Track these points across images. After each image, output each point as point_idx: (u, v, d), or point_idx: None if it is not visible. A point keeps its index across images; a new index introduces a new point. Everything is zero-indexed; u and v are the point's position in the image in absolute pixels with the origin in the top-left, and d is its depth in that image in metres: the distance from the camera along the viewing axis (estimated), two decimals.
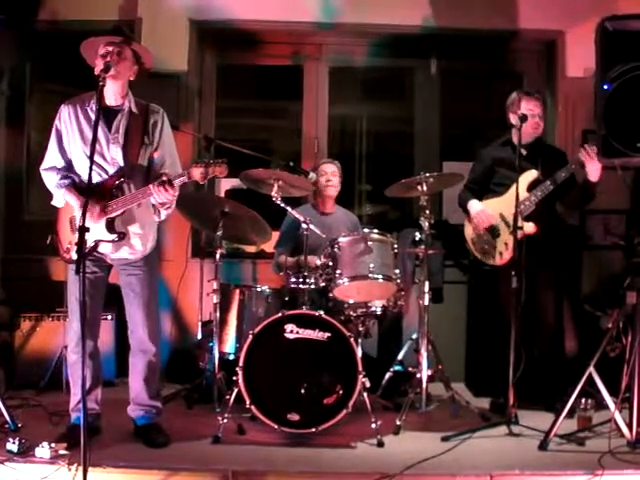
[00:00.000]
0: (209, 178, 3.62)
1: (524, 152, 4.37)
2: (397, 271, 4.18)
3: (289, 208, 4.31)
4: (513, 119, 4.51)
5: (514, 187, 4.18)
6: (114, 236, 3.59)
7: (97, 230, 3.55)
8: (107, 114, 3.63)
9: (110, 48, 3.56)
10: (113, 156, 3.62)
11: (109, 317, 4.90)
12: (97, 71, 3.43)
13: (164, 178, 3.52)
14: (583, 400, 3.99)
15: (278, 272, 4.86)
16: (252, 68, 6.16)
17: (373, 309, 4.30)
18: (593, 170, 4.19)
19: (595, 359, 3.72)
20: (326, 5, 5.60)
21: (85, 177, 3.41)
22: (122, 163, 3.62)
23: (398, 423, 4.03)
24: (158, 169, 3.72)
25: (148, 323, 3.75)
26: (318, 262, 4.28)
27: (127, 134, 3.65)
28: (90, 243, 3.56)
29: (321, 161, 5.11)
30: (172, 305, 5.40)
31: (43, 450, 3.33)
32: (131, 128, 3.66)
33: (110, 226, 3.59)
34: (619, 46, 3.42)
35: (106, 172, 3.62)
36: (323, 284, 4.13)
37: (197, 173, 3.54)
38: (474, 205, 4.58)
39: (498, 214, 4.47)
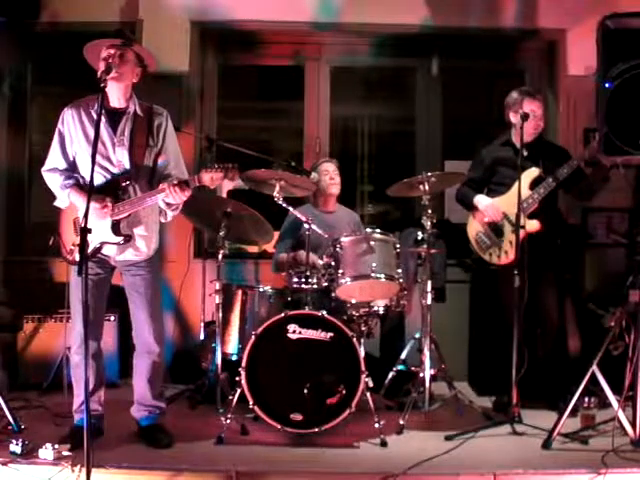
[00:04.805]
0: (220, 183, 3.63)
1: (525, 152, 4.36)
2: (399, 270, 4.17)
3: (291, 208, 4.31)
4: (514, 118, 4.50)
5: (516, 186, 4.18)
6: (120, 239, 3.60)
7: (102, 232, 3.56)
8: (112, 117, 3.64)
9: (112, 51, 3.56)
10: (119, 158, 3.63)
11: (112, 318, 4.90)
12: (99, 73, 3.43)
13: (174, 180, 3.54)
14: (586, 399, 4.00)
15: (276, 271, 4.86)
16: (253, 69, 6.16)
17: (376, 309, 4.29)
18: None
19: (598, 358, 3.72)
20: (326, 5, 5.60)
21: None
22: (128, 165, 3.63)
23: (401, 422, 4.04)
24: (162, 171, 3.74)
25: (152, 323, 3.75)
26: (317, 260, 4.28)
27: (132, 136, 3.66)
28: (95, 244, 3.57)
29: (320, 161, 5.11)
30: (175, 306, 5.40)
31: (46, 451, 3.34)
32: (136, 130, 3.67)
33: (116, 228, 3.59)
34: (620, 44, 3.43)
35: (112, 175, 3.63)
36: (325, 284, 4.13)
37: (207, 178, 3.55)
38: (482, 199, 4.57)
39: (501, 213, 4.47)
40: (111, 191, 3.58)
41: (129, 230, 3.65)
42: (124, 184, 3.61)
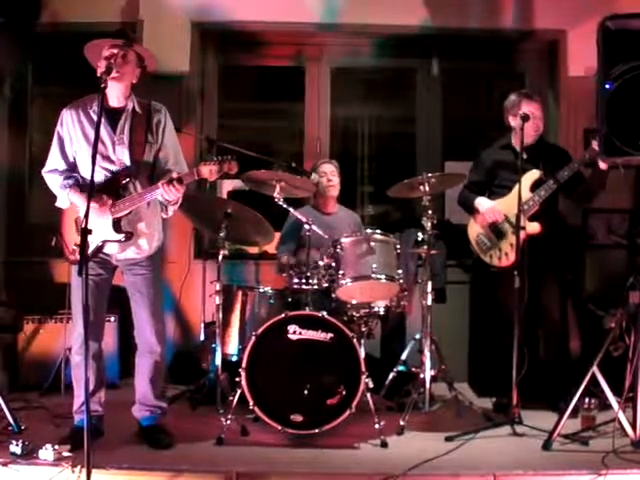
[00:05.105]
0: (219, 176, 3.63)
1: (525, 154, 4.36)
2: (400, 271, 4.18)
3: (291, 209, 4.32)
4: (513, 121, 4.50)
5: (517, 188, 4.18)
6: (121, 236, 3.60)
7: (104, 230, 3.56)
8: (111, 116, 3.64)
9: (114, 51, 3.56)
10: (119, 157, 3.63)
11: (112, 319, 4.90)
12: (99, 73, 3.44)
13: (174, 175, 3.54)
14: (587, 400, 3.99)
15: (280, 273, 4.86)
16: (254, 69, 6.16)
17: (376, 309, 4.29)
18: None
19: (598, 359, 3.72)
20: (327, 6, 5.60)
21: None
22: (128, 163, 3.63)
23: (402, 423, 4.03)
24: (163, 167, 3.74)
25: (154, 323, 3.75)
26: (319, 260, 4.28)
27: (131, 134, 3.66)
28: (97, 243, 3.57)
29: (319, 162, 5.11)
30: (175, 306, 5.41)
31: (47, 452, 3.34)
32: (135, 128, 3.67)
33: (117, 226, 3.59)
34: (621, 45, 3.42)
35: (112, 174, 3.63)
36: (326, 285, 4.13)
37: (206, 171, 3.56)
38: (483, 202, 4.57)
39: (502, 215, 4.47)
40: (111, 190, 3.59)
41: (130, 227, 3.65)
42: (124, 181, 3.61)
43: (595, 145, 3.98)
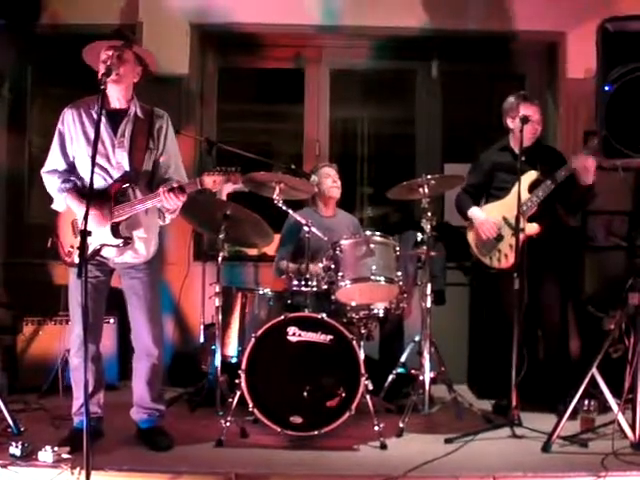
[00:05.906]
0: (222, 187, 3.62)
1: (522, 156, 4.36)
2: (399, 273, 4.18)
3: (290, 211, 4.32)
4: (511, 123, 4.50)
5: (515, 189, 4.18)
6: (119, 241, 3.59)
7: (102, 234, 3.55)
8: (112, 118, 3.63)
9: (110, 52, 3.55)
10: (118, 160, 3.62)
11: (111, 321, 4.89)
12: (100, 76, 3.43)
13: (174, 184, 3.52)
14: (586, 401, 3.99)
15: (279, 276, 4.87)
16: (253, 71, 6.17)
17: (375, 311, 4.29)
18: (584, 173, 4.20)
19: (598, 360, 3.71)
20: (327, 8, 5.60)
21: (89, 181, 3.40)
22: (127, 167, 3.62)
23: (401, 425, 4.03)
24: (162, 174, 3.72)
25: (151, 326, 3.74)
26: (319, 270, 4.28)
27: (132, 138, 3.64)
28: (95, 246, 3.56)
29: (320, 164, 5.11)
30: (174, 308, 5.40)
31: (46, 454, 3.33)
32: (136, 132, 3.65)
33: (115, 231, 3.58)
34: (620, 47, 3.43)
35: (111, 176, 3.61)
36: (325, 287, 4.13)
37: (209, 181, 3.53)
38: (476, 213, 4.56)
39: (501, 217, 4.46)
40: (109, 195, 3.57)
41: (128, 232, 3.63)
42: (123, 187, 3.60)
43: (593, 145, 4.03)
